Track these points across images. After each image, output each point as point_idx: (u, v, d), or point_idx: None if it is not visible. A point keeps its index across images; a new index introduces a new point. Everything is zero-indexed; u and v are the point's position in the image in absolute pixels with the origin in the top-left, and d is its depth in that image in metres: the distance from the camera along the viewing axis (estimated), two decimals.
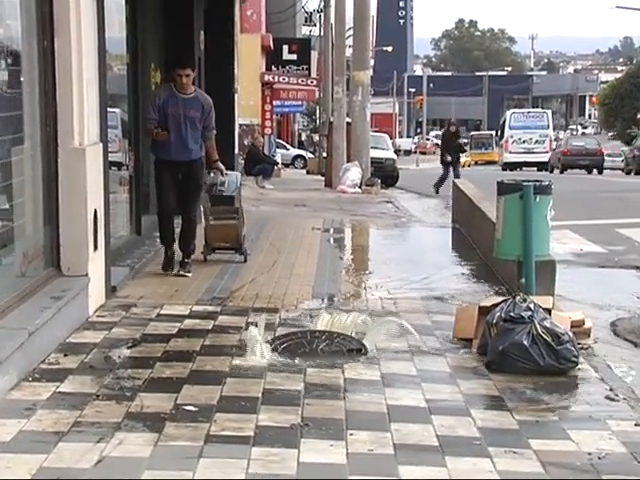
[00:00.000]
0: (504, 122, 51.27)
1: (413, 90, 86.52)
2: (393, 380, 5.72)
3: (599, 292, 9.20)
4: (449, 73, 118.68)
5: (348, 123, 23.68)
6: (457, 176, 21.54)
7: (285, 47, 36.62)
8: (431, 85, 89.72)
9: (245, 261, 9.58)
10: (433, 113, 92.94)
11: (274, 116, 36.94)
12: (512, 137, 48.84)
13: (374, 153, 24.94)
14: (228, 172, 9.39)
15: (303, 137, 57.97)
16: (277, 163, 28.09)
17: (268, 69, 34.61)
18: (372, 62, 39.67)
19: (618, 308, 8.52)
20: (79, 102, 7.00)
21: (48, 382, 5.46)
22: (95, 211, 7.25)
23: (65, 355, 6.03)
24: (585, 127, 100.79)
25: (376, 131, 36.97)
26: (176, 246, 9.10)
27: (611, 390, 5.65)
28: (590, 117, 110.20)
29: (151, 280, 8.66)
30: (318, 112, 43.87)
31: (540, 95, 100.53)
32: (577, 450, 4.64)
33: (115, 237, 8.88)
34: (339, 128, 23.91)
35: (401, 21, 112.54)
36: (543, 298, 6.72)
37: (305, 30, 51.34)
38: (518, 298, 6.30)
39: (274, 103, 35.31)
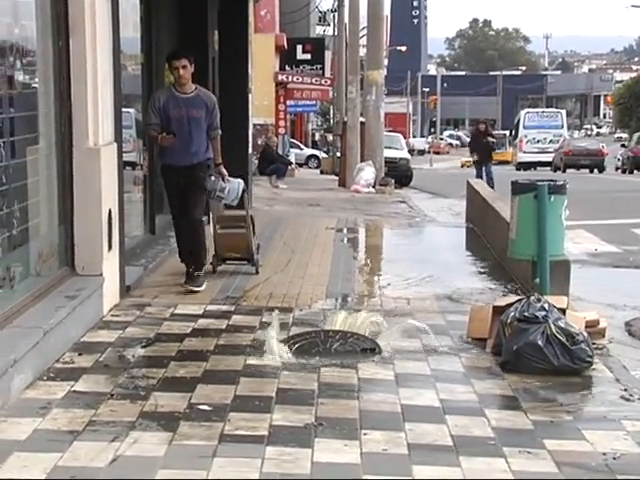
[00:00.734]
0: (518, 122, 51.19)
1: (427, 90, 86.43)
2: (407, 380, 5.72)
3: (614, 292, 9.17)
4: (463, 73, 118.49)
5: (362, 123, 23.68)
6: (488, 174, 21.33)
7: (299, 47, 36.63)
8: (445, 85, 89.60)
9: (257, 273, 8.97)
10: (447, 113, 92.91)
11: (288, 116, 36.93)
12: (526, 137, 48.78)
13: (388, 153, 24.93)
14: (230, 179, 8.56)
15: (317, 137, 57.97)
16: (291, 163, 28.11)
17: (282, 69, 34.61)
18: (386, 62, 39.60)
19: (633, 308, 8.49)
20: (94, 102, 7.03)
21: (63, 381, 5.48)
22: (109, 211, 7.27)
23: (80, 354, 6.05)
24: (600, 127, 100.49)
25: (390, 131, 36.95)
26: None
27: (626, 390, 5.63)
28: (605, 117, 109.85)
29: (165, 279, 8.67)
30: (332, 112, 43.84)
31: (554, 95, 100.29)
32: (592, 450, 4.62)
33: (129, 237, 8.90)
34: (353, 128, 23.91)
35: (415, 21, 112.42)
36: (557, 298, 6.71)
37: (319, 30, 51.33)
38: (532, 298, 6.29)
39: (288, 103, 35.31)
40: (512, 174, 25.75)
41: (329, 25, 46.28)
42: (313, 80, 34.82)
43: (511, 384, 5.69)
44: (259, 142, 25.35)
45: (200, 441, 4.57)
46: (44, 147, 6.80)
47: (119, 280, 7.58)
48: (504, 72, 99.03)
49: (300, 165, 37.91)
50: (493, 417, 5.07)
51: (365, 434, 4.72)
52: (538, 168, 44.65)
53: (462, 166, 53.77)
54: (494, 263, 10.25)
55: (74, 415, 4.90)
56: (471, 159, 23.39)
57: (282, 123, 33.54)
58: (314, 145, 53.07)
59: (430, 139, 79.14)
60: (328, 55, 40.73)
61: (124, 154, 8.12)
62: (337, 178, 25.48)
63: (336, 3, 37.03)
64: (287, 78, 33.70)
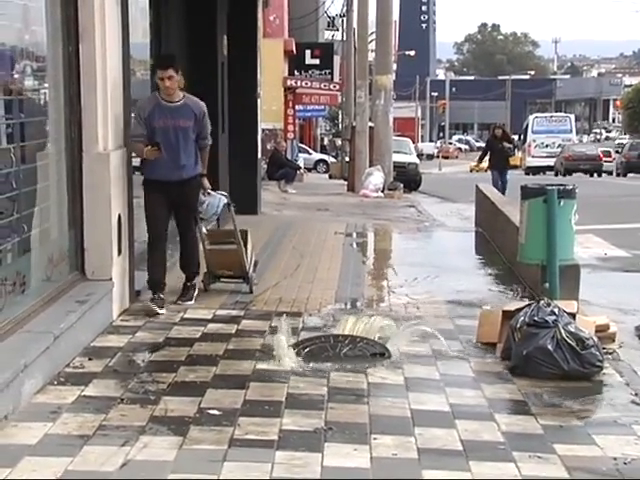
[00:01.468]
0: (527, 126, 51.13)
1: (435, 94, 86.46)
2: (417, 384, 5.71)
3: (624, 296, 9.14)
4: (472, 77, 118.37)
5: (371, 127, 23.68)
6: (503, 183, 19.76)
7: (308, 52, 36.66)
8: (454, 89, 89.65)
9: (251, 292, 8.31)
10: (455, 117, 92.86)
11: (297, 120, 36.94)
12: (535, 141, 48.74)
13: (397, 157, 24.92)
14: (212, 193, 7.91)
15: (325, 141, 57.98)
16: (300, 167, 28.08)
17: (291, 74, 34.64)
18: (394, 66, 39.61)
19: None
20: (103, 107, 7.05)
21: (73, 386, 5.49)
22: (119, 215, 7.29)
23: (90, 359, 6.06)
24: (609, 131, 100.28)
25: (399, 135, 36.93)
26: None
27: (636, 395, 5.62)
28: (614, 121, 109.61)
29: (175, 284, 8.67)
30: (341, 116, 43.85)
31: (563, 99, 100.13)
32: (602, 455, 4.61)
33: (139, 241, 8.91)
34: (362, 132, 23.91)
35: (423, 25, 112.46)
36: (567, 302, 6.70)
37: (328, 34, 51.34)
38: (542, 302, 6.28)
39: (297, 108, 35.32)
40: (521, 179, 25.72)
41: (338, 30, 46.30)
42: (322, 85, 34.82)
43: (521, 389, 5.68)
44: (268, 147, 25.36)
45: (210, 445, 4.58)
46: (54, 152, 6.82)
47: (129, 285, 7.59)
48: (513, 76, 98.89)
49: (309, 170, 37.92)
50: (503, 422, 5.06)
51: (375, 439, 4.71)
52: (547, 173, 44.63)
53: (471, 171, 53.64)
54: (504, 267, 10.24)
55: (84, 419, 4.91)
56: (475, 164, 22.25)
57: (291, 128, 33.56)
58: (323, 150, 53.07)
59: (439, 143, 79.18)
60: (337, 60, 40.73)
61: (133, 159, 8.13)
62: (346, 183, 25.47)
63: (345, 8, 37.08)
64: (296, 83, 33.72)
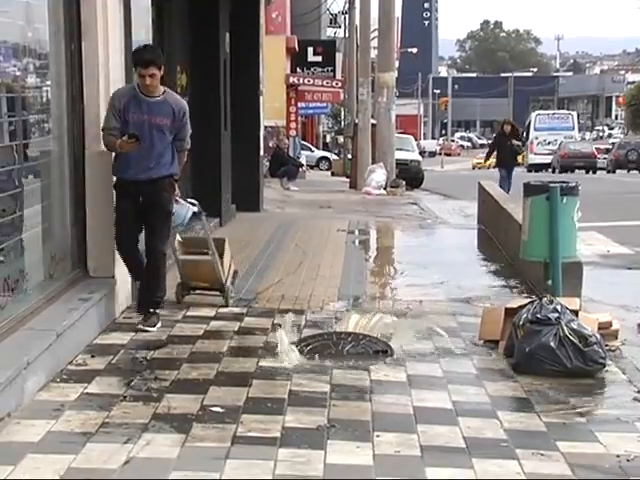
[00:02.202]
0: (529, 124, 51.13)
1: (438, 92, 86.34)
2: (419, 382, 5.71)
3: (626, 294, 9.14)
4: (474, 74, 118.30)
5: (373, 125, 23.66)
6: (509, 181, 18.86)
7: (310, 49, 36.67)
8: (456, 86, 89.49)
9: (227, 305, 7.66)
10: (458, 114, 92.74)
11: (299, 118, 36.95)
12: (537, 139, 48.79)
13: (399, 155, 24.90)
14: (181, 201, 7.17)
15: (328, 139, 57.97)
16: (302, 165, 28.10)
17: (293, 71, 34.66)
18: (397, 64, 39.61)
19: None
20: (106, 104, 7.04)
21: (76, 383, 5.49)
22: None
23: (92, 356, 6.06)
24: (612, 128, 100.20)
25: (401, 133, 36.90)
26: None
27: (639, 392, 5.61)
28: (617, 118, 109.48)
29: (177, 282, 8.68)
30: (343, 114, 43.87)
31: (566, 96, 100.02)
32: (605, 452, 4.61)
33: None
34: (364, 130, 23.90)
35: (426, 22, 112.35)
36: (570, 300, 6.69)
37: (330, 32, 51.35)
38: (545, 300, 6.28)
39: (299, 105, 35.33)
40: (524, 176, 25.69)
41: (340, 27, 46.32)
42: (324, 82, 34.83)
43: (523, 386, 5.68)
44: (270, 144, 25.38)
45: (213, 443, 4.58)
46: (56, 149, 6.82)
47: (131, 282, 7.59)
48: (515, 74, 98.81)
49: (311, 167, 37.92)
50: (505, 419, 5.06)
51: (377, 436, 4.71)
52: (550, 170, 44.67)
53: (474, 168, 53.73)
54: (506, 265, 10.24)
55: (87, 417, 4.91)
56: (482, 161, 21.28)
57: (293, 125, 33.57)
58: (325, 147, 53.06)
59: (441, 141, 79.05)
60: (339, 57, 40.73)
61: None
62: (348, 180, 25.47)
63: (347, 5, 37.07)
64: (298, 80, 33.74)
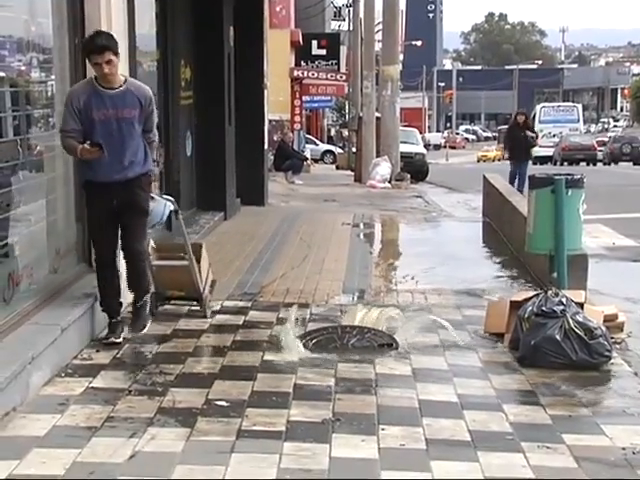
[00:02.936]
0: (534, 116, 51.11)
1: (442, 84, 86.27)
2: (424, 375, 5.71)
3: (632, 286, 9.12)
4: (479, 67, 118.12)
5: (377, 118, 23.64)
6: (521, 175, 17.56)
7: (314, 42, 36.59)
8: (460, 79, 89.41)
9: (205, 317, 7.05)
10: (463, 107, 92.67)
11: (303, 111, 36.90)
12: (542, 131, 48.72)
13: (403, 148, 24.86)
14: (157, 198, 6.79)
15: (332, 132, 57.94)
16: (306, 158, 28.05)
17: (297, 64, 34.58)
18: (401, 57, 39.55)
19: None
20: None
21: (81, 377, 5.49)
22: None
23: (97, 351, 6.07)
24: (617, 120, 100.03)
25: (405, 126, 36.86)
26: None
27: None
28: (622, 110, 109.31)
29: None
30: (347, 107, 43.77)
31: (571, 88, 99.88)
32: (611, 445, 4.60)
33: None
34: (368, 123, 23.88)
35: (430, 15, 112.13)
36: (575, 292, 6.68)
37: (334, 25, 51.26)
38: (550, 292, 6.27)
39: (303, 98, 35.27)
40: (529, 168, 25.60)
41: (344, 20, 46.22)
42: (328, 75, 34.76)
43: (529, 379, 5.67)
44: (275, 138, 25.35)
45: (218, 437, 4.58)
46: (60, 144, 6.81)
47: None
48: (520, 66, 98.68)
49: (316, 161, 37.88)
50: (511, 412, 5.05)
51: (383, 429, 4.71)
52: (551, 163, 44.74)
53: (478, 161, 53.71)
54: (511, 257, 10.22)
55: (92, 411, 4.91)
56: (503, 155, 19.75)
57: (298, 119, 33.52)
58: (330, 141, 53.03)
59: (446, 134, 79.03)
60: (343, 50, 40.67)
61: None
62: (353, 173, 25.45)
63: None
64: (302, 74, 33.67)
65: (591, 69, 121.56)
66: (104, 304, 6.37)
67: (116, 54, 6.08)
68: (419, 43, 72.98)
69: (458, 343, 6.44)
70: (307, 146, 36.02)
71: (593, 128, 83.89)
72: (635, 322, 7.41)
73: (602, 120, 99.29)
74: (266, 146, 15.68)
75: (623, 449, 4.54)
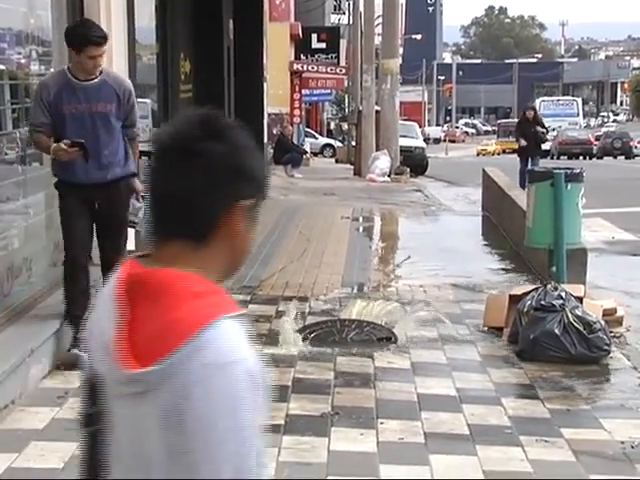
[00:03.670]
0: None
1: (442, 78, 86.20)
2: (423, 369, 5.71)
3: (631, 280, 9.12)
4: (479, 61, 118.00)
5: (377, 112, 23.61)
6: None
7: (314, 36, 36.55)
8: (460, 73, 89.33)
9: None
10: (462, 101, 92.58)
11: (303, 105, 36.88)
12: None
13: (403, 142, 24.85)
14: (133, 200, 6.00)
15: (332, 126, 57.92)
16: (306, 152, 28.04)
17: (297, 58, 34.54)
18: (401, 50, 39.51)
19: None
20: None
21: (80, 370, 5.48)
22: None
23: None
24: (617, 114, 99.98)
25: (405, 119, 36.84)
26: None
27: None
28: (622, 104, 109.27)
29: None
30: (347, 101, 43.76)
31: (571, 82, 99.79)
32: (609, 439, 4.61)
33: (145, 227, 8.90)
34: (368, 117, 23.86)
35: (430, 9, 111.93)
36: (574, 286, 6.68)
37: (334, 18, 51.19)
38: (549, 286, 6.27)
39: (303, 92, 35.26)
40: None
41: (344, 14, 46.15)
42: (328, 69, 34.74)
43: (528, 373, 5.68)
44: (274, 131, 25.33)
45: None
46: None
47: None
48: (520, 60, 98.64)
49: (315, 154, 37.87)
50: (510, 406, 5.06)
51: (381, 423, 4.71)
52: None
53: (478, 154, 53.67)
54: (510, 251, 10.22)
55: None
56: (517, 146, 18.78)
57: (297, 112, 33.49)
58: (329, 134, 53.00)
59: (446, 127, 78.97)
60: (343, 44, 40.62)
61: (140, 144, 8.08)
62: (352, 167, 25.44)
63: None
64: (302, 67, 33.64)
65: (591, 63, 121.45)
66: (73, 318, 5.51)
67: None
68: (419, 37, 72.87)
69: (457, 337, 6.44)
70: (306, 139, 36.00)
71: (593, 122, 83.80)
72: (634, 316, 7.41)
73: (602, 114, 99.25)
74: (265, 140, 15.68)
75: (622, 443, 4.54)
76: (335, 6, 50.06)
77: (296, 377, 5.46)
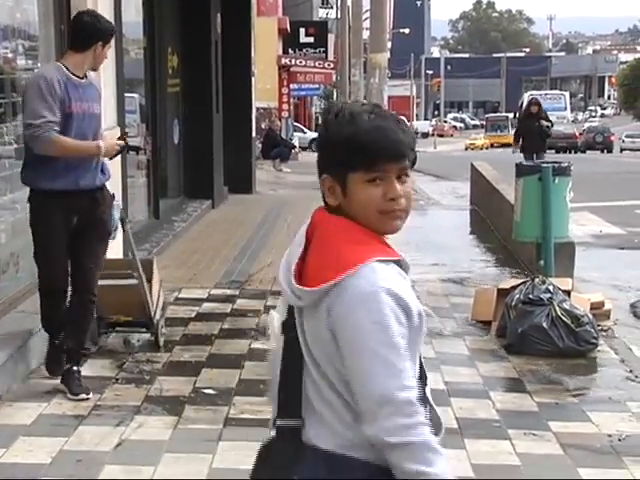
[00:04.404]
0: (522, 104, 51.18)
1: (430, 72, 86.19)
2: None
3: (619, 273, 9.14)
4: (467, 55, 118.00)
5: None
6: None
7: (302, 30, 36.48)
8: (448, 67, 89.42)
9: (158, 346, 5.90)
10: (451, 95, 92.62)
11: (291, 99, 36.84)
12: None
13: None
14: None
15: (320, 120, 57.90)
16: (294, 146, 28.02)
17: (285, 52, 34.49)
18: (389, 44, 39.54)
19: (638, 289, 8.46)
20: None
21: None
22: (113, 195, 7.23)
23: None
24: (604, 108, 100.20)
25: None
26: None
27: (631, 372, 5.62)
28: (609, 98, 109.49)
29: (169, 264, 8.67)
30: (335, 95, 43.77)
31: (559, 76, 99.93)
32: (597, 432, 4.62)
33: (133, 221, 8.89)
34: None
35: (418, 3, 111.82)
36: (562, 280, 6.70)
37: (322, 13, 51.15)
38: (537, 280, 6.28)
39: (291, 86, 35.21)
40: (516, 157, 25.64)
41: (332, 8, 46.15)
42: (316, 63, 34.71)
43: (516, 366, 5.69)
44: (262, 126, 25.29)
45: (205, 425, 4.58)
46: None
47: None
48: (508, 54, 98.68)
49: (304, 149, 37.84)
50: (498, 399, 5.07)
51: None
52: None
53: (466, 149, 53.75)
54: (498, 245, 10.24)
55: (79, 399, 4.90)
56: (513, 144, 17.36)
57: (285, 107, 33.45)
58: (318, 128, 52.99)
59: (434, 122, 79.00)
60: (331, 38, 40.57)
61: (127, 138, 8.07)
62: None
63: None
64: (290, 61, 33.59)
65: (579, 57, 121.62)
66: (52, 331, 5.20)
67: None
68: (407, 31, 72.92)
69: (445, 331, 6.44)
70: (295, 134, 35.95)
71: (580, 116, 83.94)
72: (622, 309, 7.44)
73: (590, 108, 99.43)
74: (254, 134, 15.64)
75: (609, 436, 4.56)
76: (323, 0, 50.02)
77: None
